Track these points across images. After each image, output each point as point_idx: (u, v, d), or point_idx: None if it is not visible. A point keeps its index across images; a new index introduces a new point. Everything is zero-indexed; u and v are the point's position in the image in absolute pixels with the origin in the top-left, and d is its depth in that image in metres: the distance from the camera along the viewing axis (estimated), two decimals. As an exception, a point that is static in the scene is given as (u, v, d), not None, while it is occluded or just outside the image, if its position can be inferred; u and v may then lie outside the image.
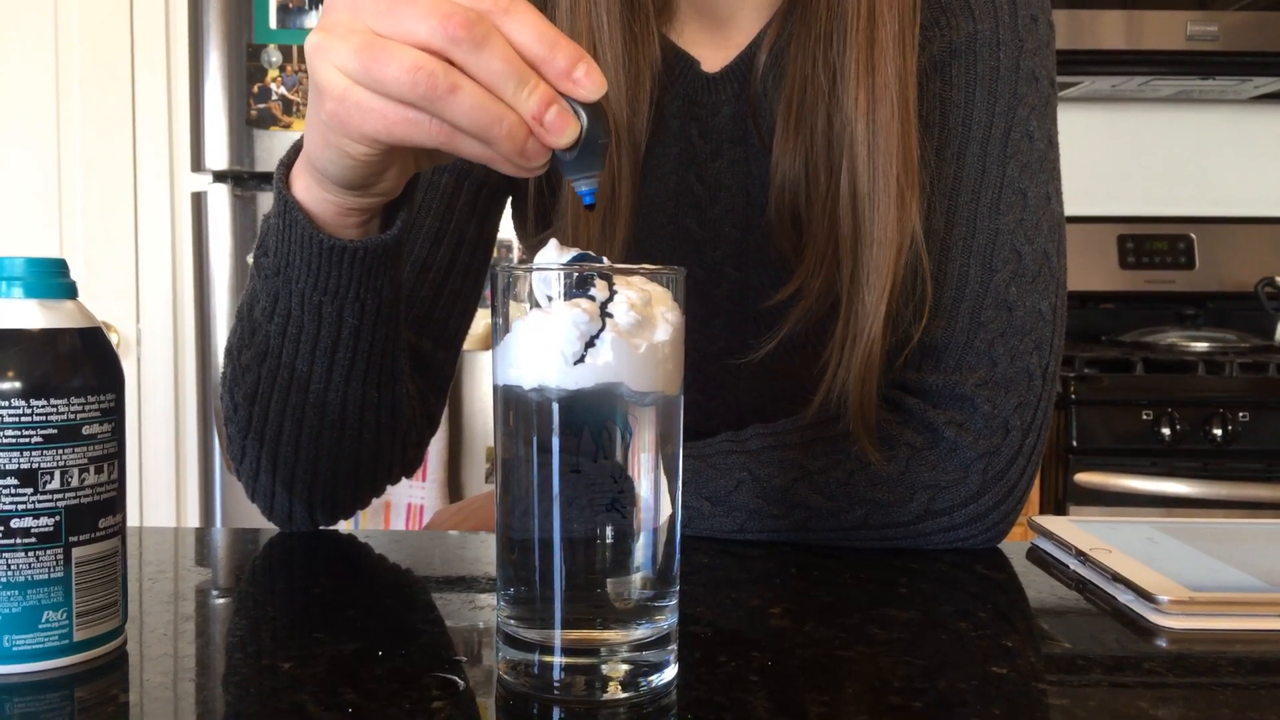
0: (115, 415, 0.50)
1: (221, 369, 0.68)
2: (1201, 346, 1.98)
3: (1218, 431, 1.75)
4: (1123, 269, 2.25)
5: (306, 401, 0.63)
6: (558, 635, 0.46)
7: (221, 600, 0.60)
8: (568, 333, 0.44)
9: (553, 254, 0.47)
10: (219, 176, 1.82)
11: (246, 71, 1.74)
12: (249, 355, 0.63)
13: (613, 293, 0.45)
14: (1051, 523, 0.72)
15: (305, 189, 0.56)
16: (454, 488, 1.71)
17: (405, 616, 0.57)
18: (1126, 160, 2.35)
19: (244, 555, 0.72)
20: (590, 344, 0.45)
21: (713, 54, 0.80)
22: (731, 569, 0.66)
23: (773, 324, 0.75)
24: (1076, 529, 0.71)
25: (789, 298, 0.74)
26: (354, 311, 0.60)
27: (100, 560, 0.49)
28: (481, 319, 1.51)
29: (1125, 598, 0.60)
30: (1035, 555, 0.70)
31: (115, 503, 0.50)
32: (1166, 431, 1.75)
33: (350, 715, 0.43)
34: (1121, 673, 0.50)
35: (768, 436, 0.72)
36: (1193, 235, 2.27)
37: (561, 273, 0.45)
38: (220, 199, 1.80)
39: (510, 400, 0.46)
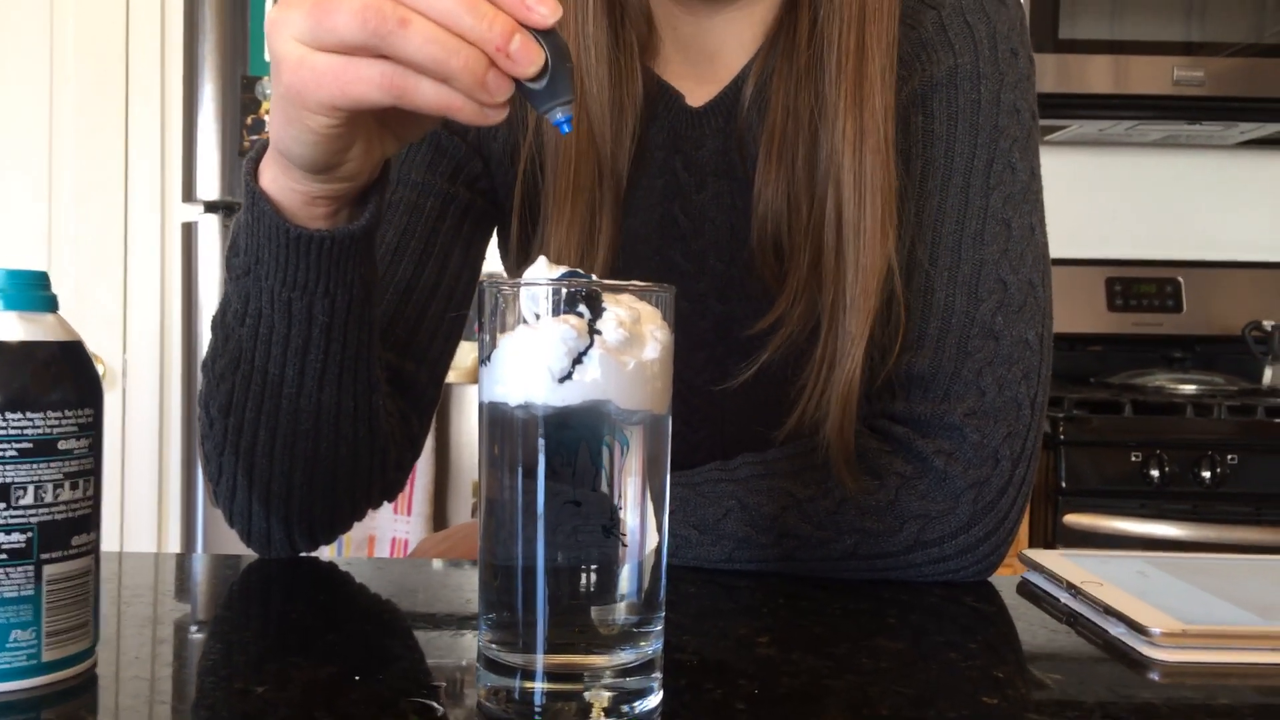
0: (93, 431, 0.49)
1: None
2: (1189, 389, 1.98)
3: (1207, 474, 1.75)
4: (1111, 311, 2.26)
5: (280, 408, 0.62)
6: (539, 660, 0.45)
7: (197, 625, 0.59)
8: (555, 349, 0.44)
9: (541, 270, 0.47)
10: (210, 207, 1.81)
11: (241, 103, 1.75)
12: (223, 364, 0.63)
13: (601, 310, 0.45)
14: (1042, 556, 0.72)
15: (272, 179, 0.56)
16: (439, 522, 1.69)
17: (384, 643, 0.55)
18: (1114, 203, 2.36)
19: (223, 581, 0.70)
20: (578, 361, 0.44)
21: (697, 88, 0.80)
22: (719, 598, 0.65)
23: (755, 353, 0.75)
24: (1067, 562, 0.70)
25: (770, 326, 0.74)
26: (324, 308, 0.60)
27: (72, 579, 0.47)
28: (470, 352, 1.50)
29: (1117, 630, 0.59)
30: (1026, 589, 0.69)
31: (90, 520, 0.49)
32: (1155, 473, 1.74)
33: (325, 739, 0.42)
34: (1115, 705, 0.49)
35: (757, 465, 0.71)
36: (1180, 278, 2.28)
37: (550, 289, 0.45)
38: (211, 229, 1.80)
39: (495, 418, 0.46)
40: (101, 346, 1.97)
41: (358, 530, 1.67)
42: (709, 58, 0.80)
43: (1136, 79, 2.06)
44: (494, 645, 0.46)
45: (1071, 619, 0.62)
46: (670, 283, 0.47)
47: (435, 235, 0.78)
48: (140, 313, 1.98)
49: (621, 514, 0.45)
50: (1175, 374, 2.10)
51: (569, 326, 0.44)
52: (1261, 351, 2.10)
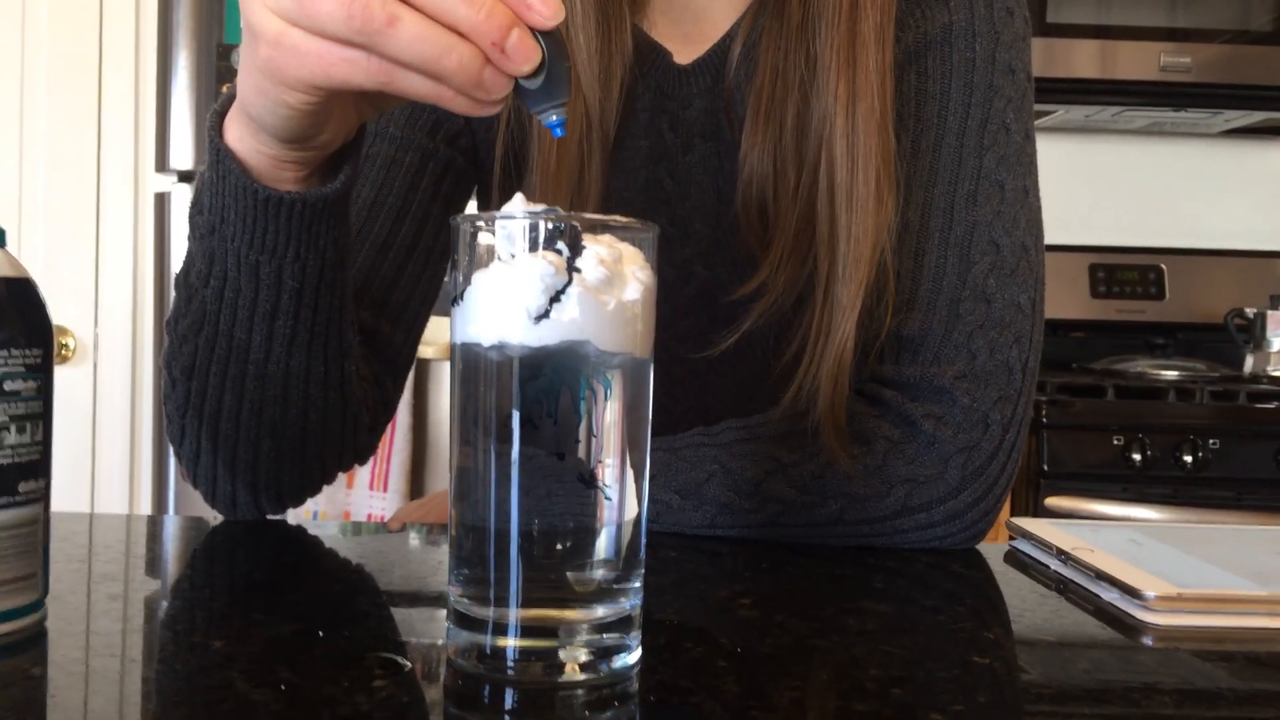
0: (42, 373, 0.46)
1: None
2: (1172, 375, 1.98)
3: (1188, 458, 1.74)
4: (1094, 298, 2.25)
5: (246, 373, 0.60)
6: (513, 614, 0.43)
7: (155, 582, 0.57)
8: (532, 286, 0.42)
9: (518, 208, 0.45)
10: (184, 177, 1.78)
11: (216, 71, 1.71)
12: (186, 324, 0.60)
13: (581, 247, 0.43)
14: (1031, 524, 0.70)
15: (239, 139, 0.53)
16: (416, 498, 1.67)
17: (351, 601, 0.53)
18: (1099, 191, 2.36)
19: (187, 542, 0.68)
20: (555, 299, 0.42)
21: (685, 47, 0.78)
22: (700, 563, 0.63)
23: (738, 321, 0.73)
24: (1057, 530, 0.68)
25: (753, 293, 0.72)
26: (294, 273, 0.56)
27: (18, 527, 0.45)
28: (444, 328, 1.48)
29: (1110, 595, 0.57)
30: (1013, 558, 0.67)
31: (38, 466, 0.46)
32: (1137, 457, 1.74)
33: (282, 693, 0.40)
34: (1109, 666, 0.47)
35: (740, 429, 0.69)
36: (1163, 266, 2.27)
37: (527, 224, 0.42)
38: (184, 200, 1.76)
39: (468, 360, 0.43)
40: (72, 320, 1.93)
41: (332, 507, 1.64)
42: (696, 15, 0.78)
43: (1123, 64, 2.05)
44: (465, 599, 0.44)
45: (1061, 585, 0.61)
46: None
47: (414, 192, 0.75)
48: (112, 285, 1.94)
49: (601, 464, 0.43)
50: (1157, 360, 2.09)
51: (546, 263, 0.42)
52: (1244, 339, 2.09)
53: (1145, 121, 2.26)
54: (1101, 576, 0.58)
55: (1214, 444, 1.75)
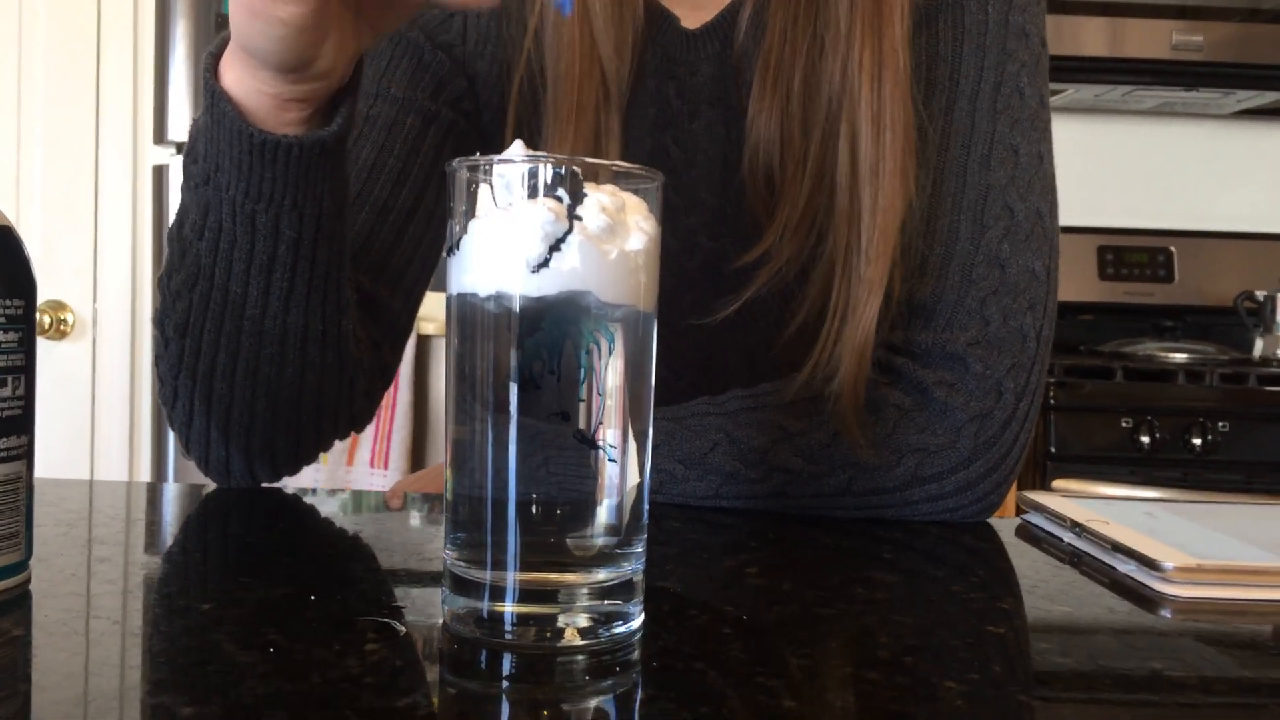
0: (23, 324, 0.44)
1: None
2: (1181, 357, 1.96)
3: (1197, 441, 1.72)
4: (1102, 280, 2.23)
5: (242, 329, 0.58)
6: (511, 577, 0.41)
7: (146, 546, 0.55)
8: (531, 234, 0.40)
9: (518, 151, 0.43)
10: (182, 149, 1.76)
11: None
12: (179, 280, 0.58)
13: (582, 195, 0.41)
14: (1043, 497, 0.68)
15: (236, 81, 0.51)
16: (420, 450, 1.65)
17: (346, 566, 0.52)
18: (1108, 172, 2.33)
19: (181, 507, 0.66)
20: (555, 248, 0.40)
21: (693, 13, 0.77)
22: (704, 534, 0.62)
23: (741, 289, 0.71)
24: (1070, 503, 0.67)
25: (756, 261, 0.70)
26: (291, 223, 0.55)
27: (0, 484, 0.43)
28: (442, 303, 1.46)
29: (1126, 568, 0.55)
30: (1025, 532, 0.66)
31: (20, 422, 0.44)
32: (1146, 440, 1.72)
33: (270, 655, 0.38)
34: (1128, 637, 0.46)
35: (746, 398, 0.68)
36: (1172, 248, 2.25)
37: (525, 169, 0.41)
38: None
39: (464, 312, 0.42)
40: (72, 295, 1.92)
41: (332, 484, 1.63)
42: None
43: (1133, 42, 2.03)
44: (462, 563, 0.42)
45: (1075, 558, 0.59)
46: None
47: (415, 155, 0.73)
48: (111, 260, 1.93)
49: (603, 423, 0.41)
50: (1166, 343, 2.07)
51: (546, 209, 0.40)
52: (1254, 323, 2.07)
53: (1156, 102, 2.24)
54: (1118, 548, 0.57)
55: (1223, 427, 1.73)
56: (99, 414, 1.94)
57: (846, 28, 0.68)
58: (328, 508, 0.66)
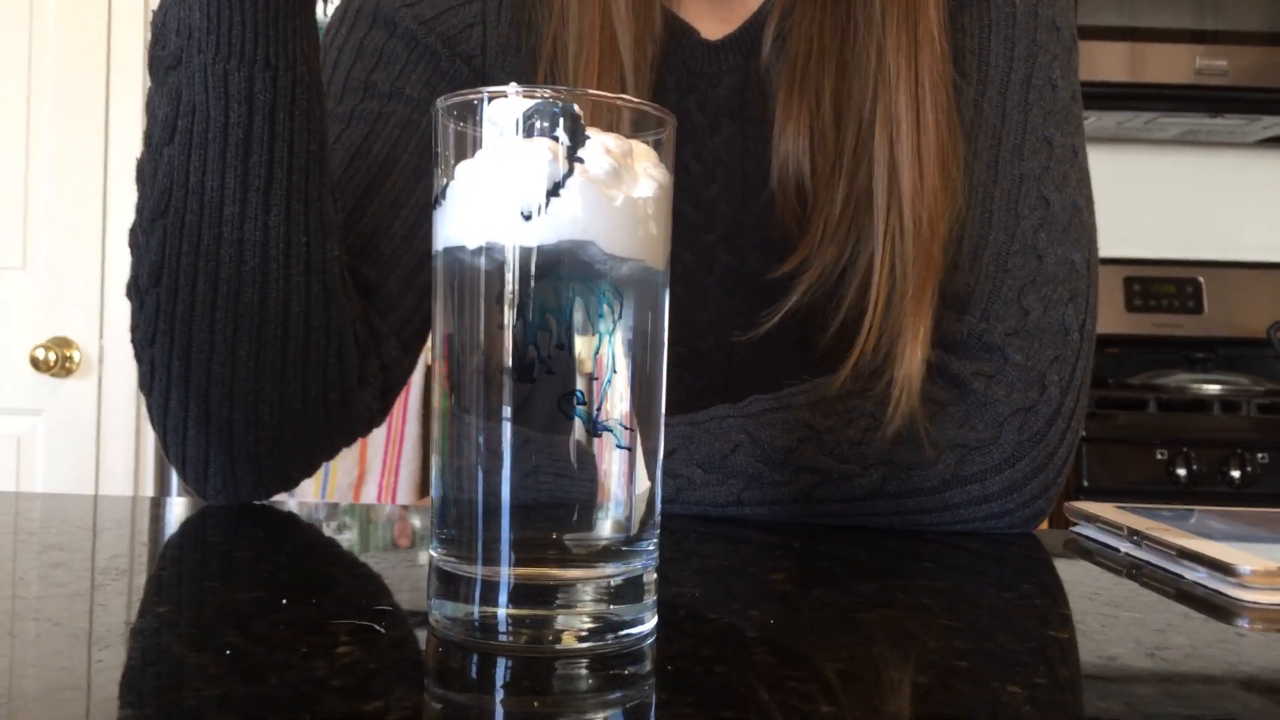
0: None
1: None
2: (1214, 389, 1.89)
3: (1235, 473, 1.66)
4: (1130, 312, 2.17)
5: (221, 240, 0.53)
6: (504, 573, 0.36)
7: (107, 554, 0.50)
8: (525, 176, 0.35)
9: (513, 88, 0.38)
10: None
11: (224, 75, 1.67)
12: (150, 208, 0.54)
13: (584, 137, 0.36)
14: (1093, 508, 0.63)
15: None
16: (428, 485, 1.59)
17: (326, 570, 0.47)
18: (1133, 202, 2.28)
19: (153, 520, 0.61)
20: (554, 193, 0.35)
21: (714, 27, 0.75)
22: (724, 542, 0.56)
23: (773, 304, 0.67)
24: (1123, 513, 0.61)
25: (792, 270, 0.67)
26: (265, 83, 0.52)
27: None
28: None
29: (1195, 575, 0.50)
30: (1075, 544, 0.60)
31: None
32: (1182, 472, 1.65)
33: (225, 657, 0.33)
34: (1204, 643, 0.40)
35: (770, 400, 0.62)
36: (1201, 279, 2.19)
37: (519, 106, 0.36)
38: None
39: (450, 268, 0.37)
40: (77, 332, 1.88)
41: (344, 476, 1.56)
42: None
43: (1156, 68, 1.99)
44: (450, 558, 0.37)
45: (1135, 569, 0.53)
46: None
47: (399, 148, 0.70)
48: (117, 297, 1.89)
49: (607, 398, 0.36)
50: (1197, 375, 2.01)
51: (543, 149, 0.35)
52: (1287, 353, 2.01)
53: (1179, 129, 2.19)
54: (1185, 555, 0.51)
55: (1263, 459, 1.66)
56: (104, 451, 1.90)
57: (880, 15, 0.65)
58: (310, 516, 0.61)
